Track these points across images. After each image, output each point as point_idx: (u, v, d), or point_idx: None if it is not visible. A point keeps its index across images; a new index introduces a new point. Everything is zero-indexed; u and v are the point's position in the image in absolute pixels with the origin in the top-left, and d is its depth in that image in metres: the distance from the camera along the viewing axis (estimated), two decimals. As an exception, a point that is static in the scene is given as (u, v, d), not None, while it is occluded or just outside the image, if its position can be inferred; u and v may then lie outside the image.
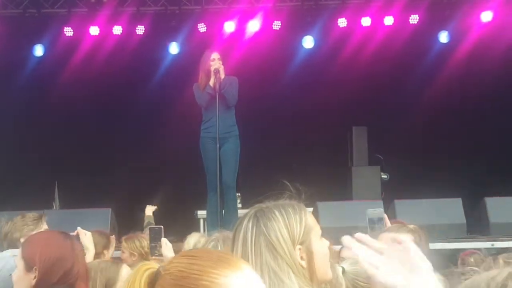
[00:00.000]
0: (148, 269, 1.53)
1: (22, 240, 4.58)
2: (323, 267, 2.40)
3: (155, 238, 4.39)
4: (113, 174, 10.96)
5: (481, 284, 1.31)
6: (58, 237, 3.22)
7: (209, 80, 7.99)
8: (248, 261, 2.25)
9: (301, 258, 2.35)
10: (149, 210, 8.07)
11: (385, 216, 4.01)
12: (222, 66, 8.02)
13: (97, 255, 5.22)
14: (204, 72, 8.10)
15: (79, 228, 4.87)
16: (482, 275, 1.33)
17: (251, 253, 2.30)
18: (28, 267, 3.08)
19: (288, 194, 2.46)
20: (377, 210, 3.94)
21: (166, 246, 4.28)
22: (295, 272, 2.28)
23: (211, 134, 8.08)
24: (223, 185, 8.03)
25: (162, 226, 4.57)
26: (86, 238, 4.76)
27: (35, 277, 3.05)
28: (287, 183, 2.49)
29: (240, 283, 1.48)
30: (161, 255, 4.34)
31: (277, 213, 2.37)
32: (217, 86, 7.88)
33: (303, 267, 2.32)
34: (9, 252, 3.97)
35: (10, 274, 3.60)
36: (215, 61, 8.03)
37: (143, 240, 5.92)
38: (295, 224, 2.37)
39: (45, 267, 3.05)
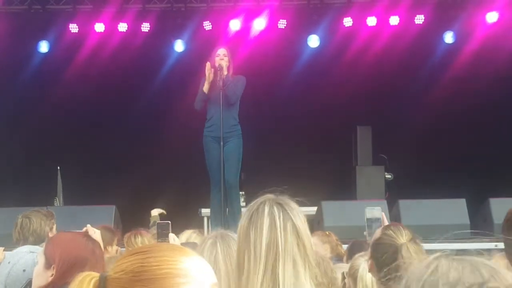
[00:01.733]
0: (92, 278, 1.52)
1: (50, 235, 4.65)
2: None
3: (162, 234, 4.37)
4: (118, 172, 10.97)
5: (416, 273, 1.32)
6: (81, 239, 3.29)
7: (212, 75, 7.90)
8: (276, 247, 2.26)
9: None
10: (155, 211, 8.05)
11: (383, 214, 4.04)
12: (226, 63, 7.93)
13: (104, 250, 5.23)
14: (205, 70, 8.02)
15: (88, 225, 4.88)
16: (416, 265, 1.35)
17: (280, 238, 2.29)
18: (48, 264, 3.14)
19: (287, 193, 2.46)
20: (375, 209, 3.98)
21: (174, 242, 4.28)
22: (311, 262, 2.30)
23: (213, 133, 8.04)
24: (226, 184, 8.01)
25: (169, 222, 4.57)
26: (95, 236, 4.77)
27: (52, 274, 3.10)
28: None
29: (198, 267, 1.53)
30: None
31: (293, 204, 2.39)
32: (220, 83, 7.83)
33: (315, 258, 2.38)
34: (25, 248, 4.00)
35: (24, 270, 3.64)
36: (219, 56, 7.97)
37: (139, 236, 5.81)
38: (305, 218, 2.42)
39: (63, 266, 3.10)
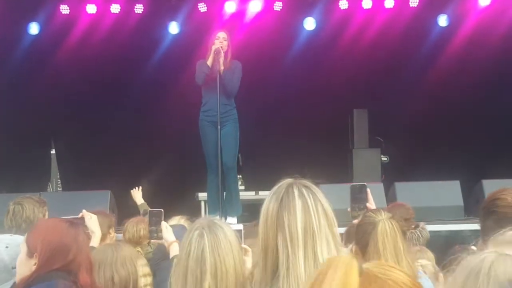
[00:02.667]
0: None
1: None
2: None
3: (154, 222, 4.35)
4: (113, 156, 10.90)
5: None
6: (63, 225, 3.24)
7: (211, 59, 7.88)
8: (312, 229, 2.30)
9: None
10: (138, 197, 7.96)
11: (368, 191, 4.08)
12: (225, 48, 7.90)
13: (104, 236, 5.19)
14: (209, 51, 7.99)
15: (84, 211, 4.83)
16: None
17: (315, 220, 2.32)
18: (30, 253, 3.13)
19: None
20: (360, 183, 4.07)
21: (167, 230, 4.25)
22: (337, 246, 2.34)
23: (210, 118, 8.03)
24: (224, 167, 7.99)
25: (162, 210, 4.54)
26: (92, 221, 4.73)
27: (35, 263, 3.09)
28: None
29: None
30: (160, 238, 4.32)
31: (316, 187, 2.43)
32: (218, 68, 7.79)
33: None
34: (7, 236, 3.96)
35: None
36: (219, 39, 7.93)
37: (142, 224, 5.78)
38: None
39: (45, 255, 3.09)
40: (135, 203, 7.92)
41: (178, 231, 4.34)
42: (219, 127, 7.88)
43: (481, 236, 2.64)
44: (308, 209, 2.32)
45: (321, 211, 2.33)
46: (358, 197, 3.99)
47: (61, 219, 3.49)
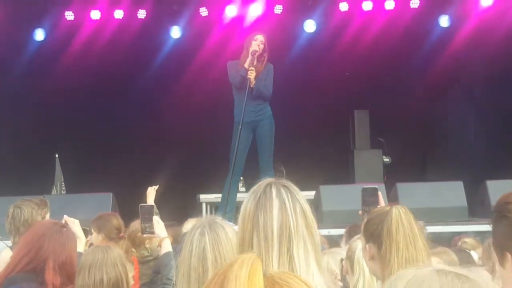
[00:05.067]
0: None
1: None
2: None
3: (146, 217, 4.35)
4: (115, 159, 10.96)
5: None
6: (40, 227, 3.28)
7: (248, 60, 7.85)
8: (289, 230, 2.25)
9: None
10: (151, 197, 7.97)
11: (380, 194, 4.07)
12: (260, 51, 7.88)
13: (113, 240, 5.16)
14: (247, 51, 7.96)
15: (65, 216, 4.79)
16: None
17: (292, 221, 2.28)
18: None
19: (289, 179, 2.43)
20: (372, 188, 4.03)
21: (159, 225, 4.25)
22: (316, 249, 2.29)
23: (238, 119, 7.92)
24: (260, 170, 7.90)
25: (153, 204, 4.53)
26: (75, 225, 4.68)
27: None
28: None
29: None
30: (152, 233, 4.31)
31: (296, 187, 2.38)
32: (249, 65, 7.70)
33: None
34: None
35: None
36: (256, 41, 7.93)
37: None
38: None
39: (16, 256, 3.11)
40: (144, 202, 7.93)
41: None
42: (240, 127, 7.73)
43: (493, 239, 2.56)
44: (285, 209, 2.29)
45: (299, 211, 2.30)
46: (370, 200, 3.99)
47: (47, 220, 3.52)
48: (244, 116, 7.80)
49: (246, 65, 7.82)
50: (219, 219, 2.81)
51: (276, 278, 1.40)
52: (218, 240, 2.68)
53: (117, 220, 5.36)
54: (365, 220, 3.05)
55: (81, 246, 4.57)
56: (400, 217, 2.89)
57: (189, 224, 5.04)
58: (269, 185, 2.34)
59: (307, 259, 2.25)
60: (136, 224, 5.56)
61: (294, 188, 2.35)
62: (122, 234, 5.28)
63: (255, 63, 7.80)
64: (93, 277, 3.77)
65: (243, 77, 7.81)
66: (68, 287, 3.17)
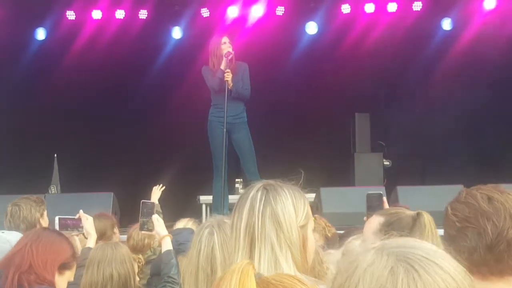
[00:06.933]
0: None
1: (41, 221, 4.65)
2: (310, 258, 2.36)
3: (146, 213, 4.32)
4: (116, 158, 10.97)
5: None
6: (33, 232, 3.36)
7: (220, 64, 7.97)
8: (253, 231, 2.23)
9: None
10: (155, 196, 7.98)
11: (384, 199, 4.06)
12: (233, 52, 8.02)
13: (109, 236, 5.21)
14: (215, 57, 8.09)
15: (81, 211, 4.87)
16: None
17: (257, 223, 2.24)
18: None
19: (294, 181, 2.39)
20: (376, 193, 4.04)
21: (158, 223, 4.24)
22: (293, 252, 2.23)
23: (220, 119, 8.06)
24: (246, 173, 8.09)
25: (154, 202, 4.52)
26: (88, 222, 4.77)
27: None
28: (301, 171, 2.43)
29: None
30: (150, 230, 4.30)
31: (286, 190, 2.32)
32: (225, 66, 7.84)
33: (299, 249, 2.28)
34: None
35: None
36: (226, 44, 8.06)
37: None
38: (300, 206, 2.32)
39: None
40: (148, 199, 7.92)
41: (187, 235, 4.36)
42: (224, 129, 7.92)
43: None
44: (253, 211, 2.25)
45: (269, 214, 2.24)
46: (374, 205, 4.01)
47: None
48: (222, 114, 7.98)
49: (222, 67, 7.96)
50: (227, 218, 2.78)
51: (270, 279, 1.39)
52: (227, 239, 2.67)
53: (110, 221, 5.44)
54: (382, 220, 2.97)
55: (91, 242, 4.62)
56: (431, 222, 2.85)
57: (180, 224, 5.03)
58: (254, 186, 2.33)
59: (276, 262, 2.20)
60: (135, 235, 5.58)
61: (276, 191, 2.30)
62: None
63: (229, 80, 7.94)
64: (102, 272, 3.77)
65: (221, 80, 7.96)
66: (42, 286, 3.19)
